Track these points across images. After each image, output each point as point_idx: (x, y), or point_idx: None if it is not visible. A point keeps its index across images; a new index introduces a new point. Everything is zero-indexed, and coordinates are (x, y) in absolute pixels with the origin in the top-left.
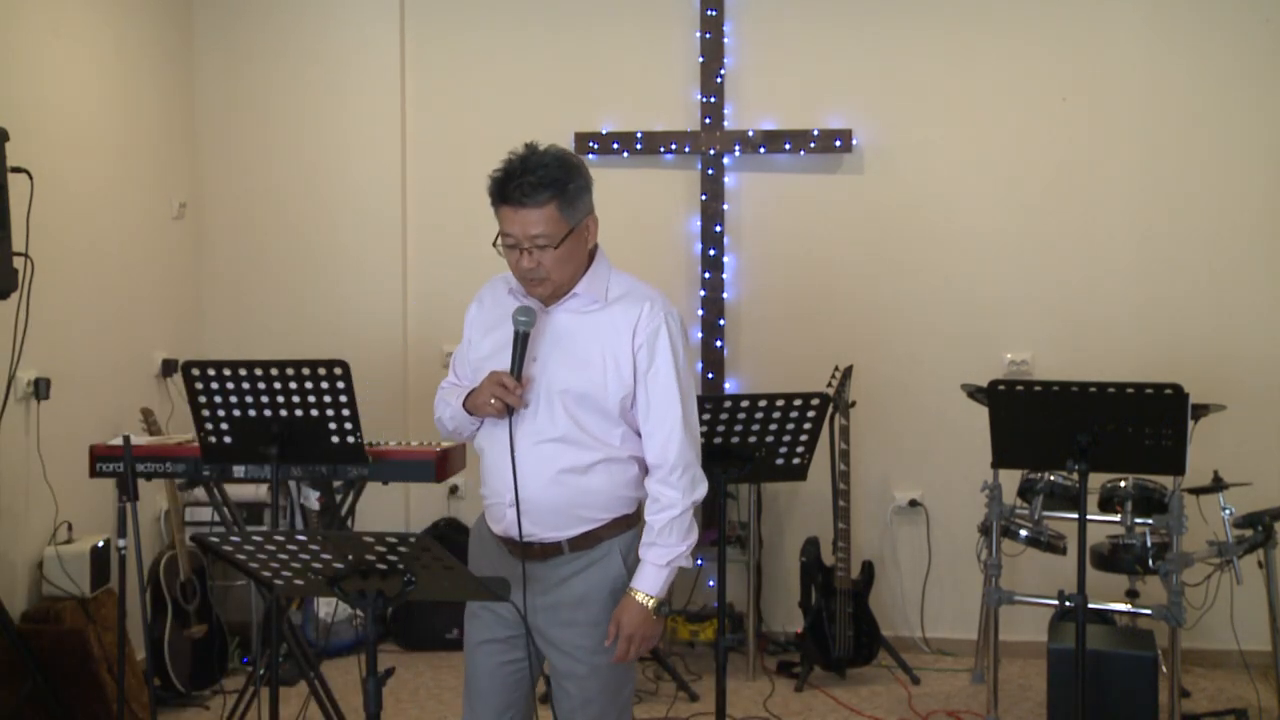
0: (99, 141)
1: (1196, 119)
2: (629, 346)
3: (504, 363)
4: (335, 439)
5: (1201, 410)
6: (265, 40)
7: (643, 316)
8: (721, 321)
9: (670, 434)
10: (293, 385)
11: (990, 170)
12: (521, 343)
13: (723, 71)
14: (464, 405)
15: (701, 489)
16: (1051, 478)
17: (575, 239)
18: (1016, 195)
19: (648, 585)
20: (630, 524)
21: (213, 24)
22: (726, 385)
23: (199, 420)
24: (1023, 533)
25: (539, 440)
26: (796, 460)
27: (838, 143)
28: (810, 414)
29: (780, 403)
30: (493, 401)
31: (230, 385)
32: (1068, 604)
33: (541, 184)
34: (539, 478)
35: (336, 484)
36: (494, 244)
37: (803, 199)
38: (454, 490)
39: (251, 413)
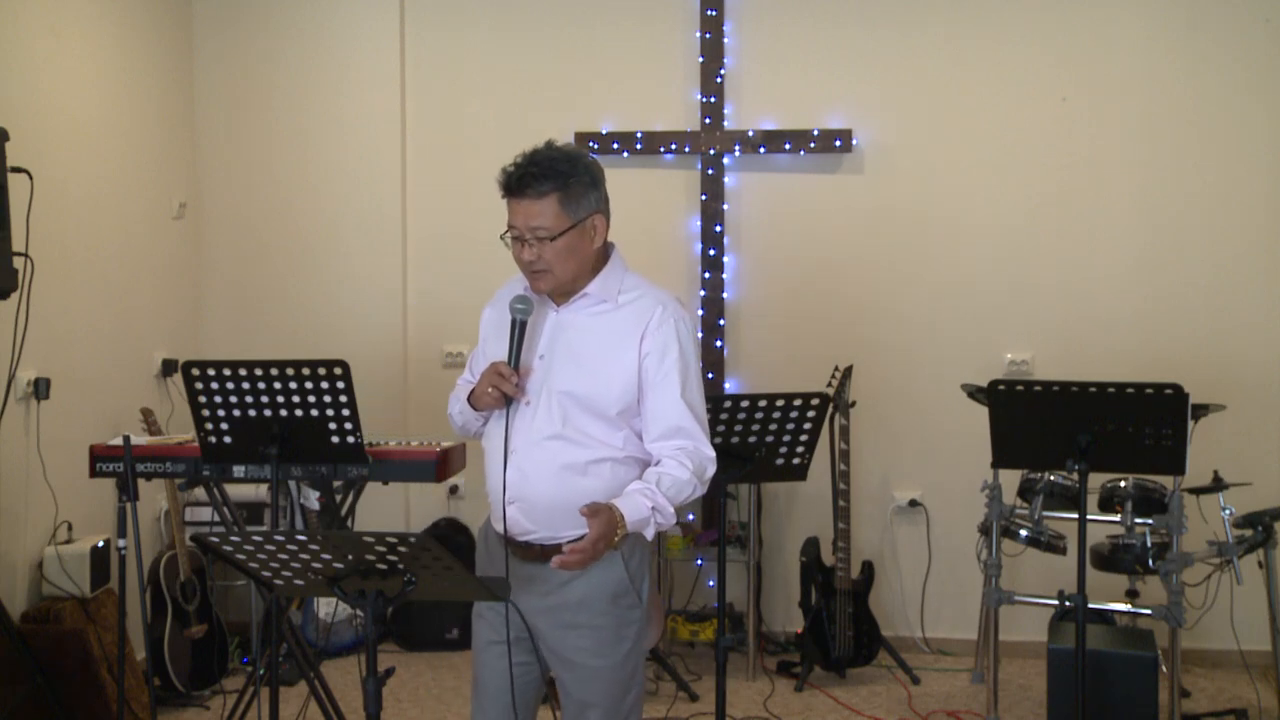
0: (99, 141)
1: (1196, 119)
2: (636, 351)
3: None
4: (335, 439)
5: (1201, 410)
6: (265, 40)
7: (652, 322)
8: (721, 321)
9: (680, 428)
10: (293, 385)
11: (990, 170)
12: (519, 331)
13: (723, 71)
14: (468, 399)
15: (709, 472)
16: (1051, 478)
17: (578, 235)
18: (1016, 195)
19: (630, 514)
20: None
21: (213, 24)
22: (726, 385)
23: (199, 420)
24: (1023, 533)
25: (540, 438)
26: (796, 460)
27: (838, 143)
28: (810, 414)
29: (780, 403)
30: (490, 391)
31: (230, 385)
32: (1068, 604)
33: (543, 175)
34: (539, 475)
35: (336, 484)
36: (501, 237)
37: (803, 199)
38: (454, 490)
39: (251, 413)
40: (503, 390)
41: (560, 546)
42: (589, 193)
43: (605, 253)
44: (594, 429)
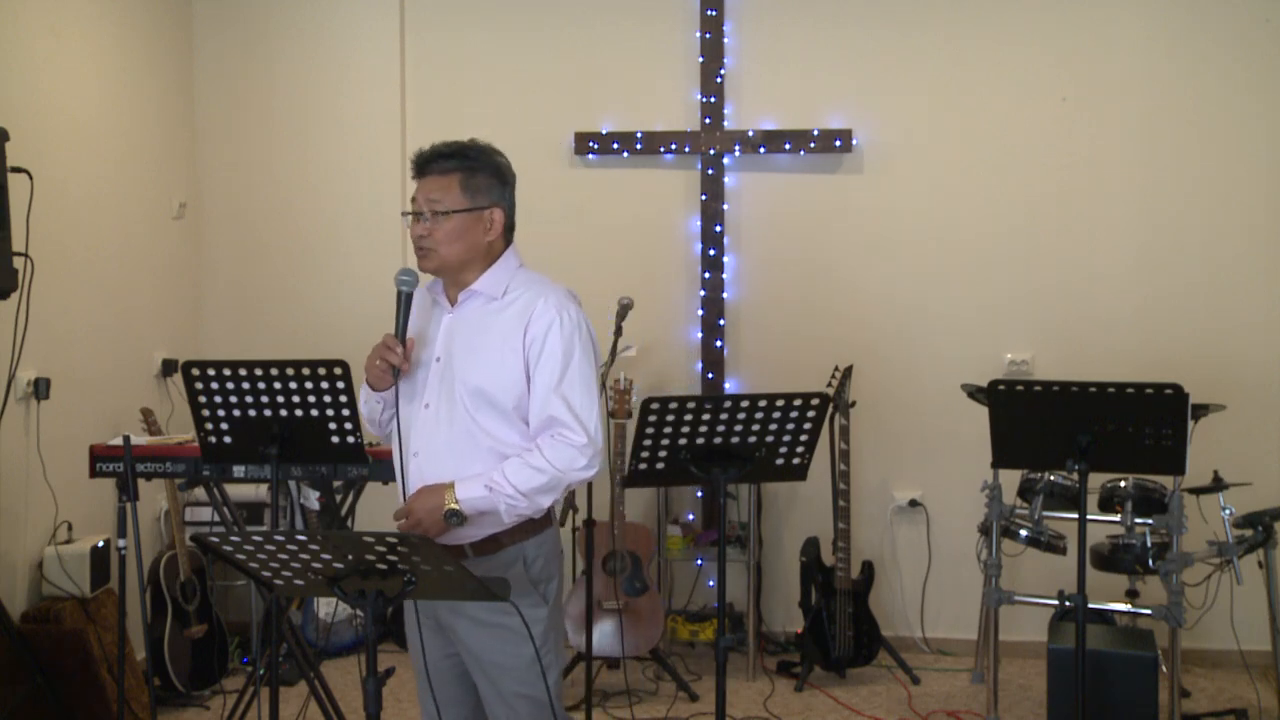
0: (99, 141)
1: (1196, 119)
2: (521, 343)
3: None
4: (335, 439)
5: (1201, 410)
6: (265, 40)
7: (534, 314)
8: (721, 321)
9: (552, 418)
10: (293, 385)
11: (990, 170)
12: (404, 303)
13: (723, 71)
14: (367, 382)
15: (577, 462)
16: (1051, 478)
17: (472, 219)
18: (1016, 195)
19: (461, 490)
20: (535, 529)
21: (213, 24)
22: (726, 385)
23: (199, 420)
24: (1023, 533)
25: (441, 440)
26: (796, 460)
27: (838, 143)
28: (810, 414)
29: (780, 403)
30: (378, 363)
31: (230, 385)
32: (1068, 604)
33: (450, 155)
34: (439, 477)
35: (336, 484)
36: (403, 214)
37: (803, 199)
38: None
39: (251, 413)
40: (389, 360)
41: (463, 548)
42: (493, 185)
43: (499, 252)
44: (492, 426)
